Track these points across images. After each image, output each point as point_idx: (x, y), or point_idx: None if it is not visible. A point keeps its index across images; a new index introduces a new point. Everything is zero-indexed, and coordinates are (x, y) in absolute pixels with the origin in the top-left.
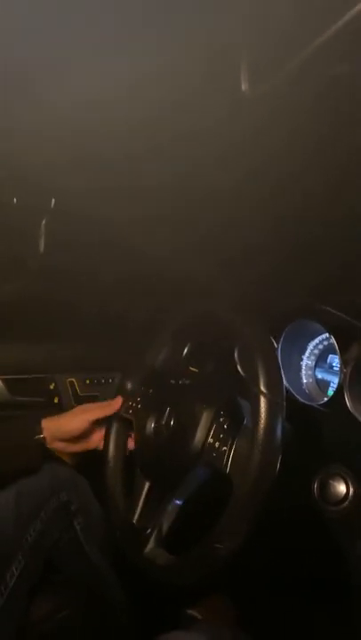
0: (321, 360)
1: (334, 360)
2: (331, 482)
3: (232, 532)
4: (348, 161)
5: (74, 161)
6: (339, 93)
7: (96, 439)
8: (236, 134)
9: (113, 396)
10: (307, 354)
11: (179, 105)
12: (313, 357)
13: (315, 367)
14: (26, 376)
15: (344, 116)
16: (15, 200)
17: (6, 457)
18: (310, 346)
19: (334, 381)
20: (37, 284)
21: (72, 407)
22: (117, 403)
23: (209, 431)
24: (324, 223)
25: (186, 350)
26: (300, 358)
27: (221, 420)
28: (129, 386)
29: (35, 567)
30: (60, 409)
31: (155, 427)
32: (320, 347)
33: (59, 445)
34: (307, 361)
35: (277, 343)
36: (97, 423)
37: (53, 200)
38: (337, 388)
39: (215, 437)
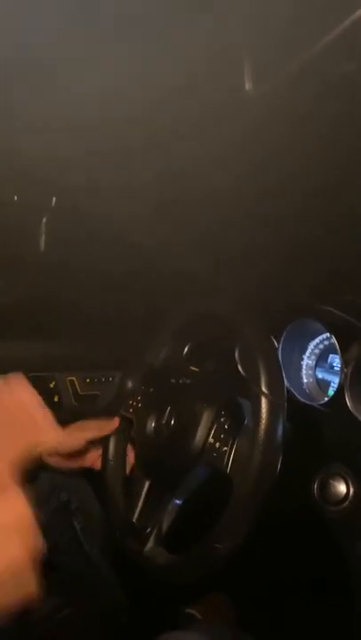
0: (322, 360)
1: (335, 360)
2: (331, 482)
3: (232, 532)
4: (349, 161)
5: (75, 159)
6: (340, 93)
7: (92, 458)
8: (237, 133)
9: (113, 395)
10: (307, 353)
11: (181, 104)
12: (314, 357)
13: (315, 367)
14: (26, 374)
15: (345, 116)
16: (16, 198)
17: None
18: (311, 345)
19: (335, 381)
20: (38, 282)
21: (72, 406)
22: (115, 422)
23: (210, 431)
24: (324, 223)
25: (186, 349)
26: (301, 358)
27: (222, 419)
28: (129, 385)
29: None
30: (60, 408)
31: (155, 426)
32: (321, 346)
33: (54, 460)
34: (307, 361)
35: (278, 343)
36: (93, 442)
37: (54, 198)
38: (338, 388)
39: (216, 437)
